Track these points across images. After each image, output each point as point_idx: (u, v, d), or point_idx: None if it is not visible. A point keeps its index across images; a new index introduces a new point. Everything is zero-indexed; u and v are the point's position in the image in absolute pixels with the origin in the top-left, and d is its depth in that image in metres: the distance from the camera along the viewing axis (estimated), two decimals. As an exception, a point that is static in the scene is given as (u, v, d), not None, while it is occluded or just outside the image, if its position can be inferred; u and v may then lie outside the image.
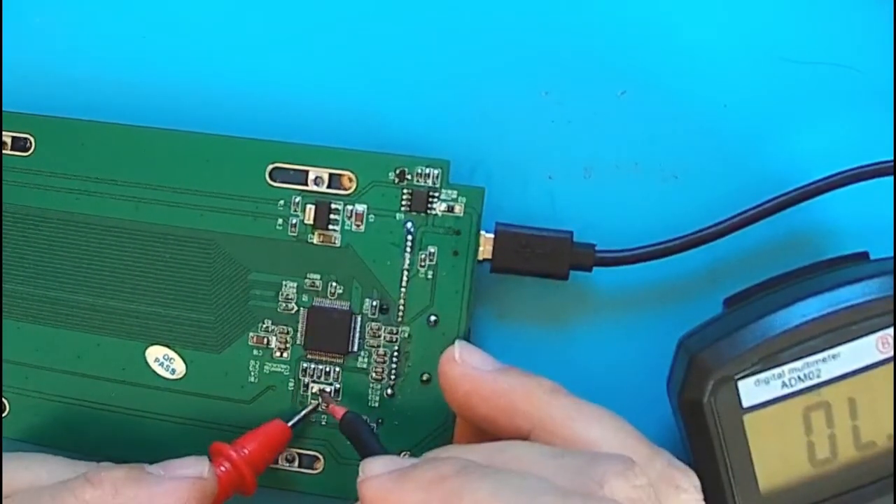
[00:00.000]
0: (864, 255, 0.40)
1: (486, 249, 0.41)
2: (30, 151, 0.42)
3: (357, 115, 0.43)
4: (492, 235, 0.41)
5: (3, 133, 0.42)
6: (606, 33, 0.43)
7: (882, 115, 0.42)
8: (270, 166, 0.41)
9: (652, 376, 0.41)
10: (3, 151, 0.42)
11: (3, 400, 0.42)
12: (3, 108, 0.43)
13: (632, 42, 0.43)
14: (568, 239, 0.41)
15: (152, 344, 0.42)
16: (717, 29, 0.43)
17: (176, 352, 0.42)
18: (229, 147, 0.42)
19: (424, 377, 0.41)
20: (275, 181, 0.42)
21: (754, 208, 0.41)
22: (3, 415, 0.42)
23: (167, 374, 0.42)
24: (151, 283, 0.42)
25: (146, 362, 0.42)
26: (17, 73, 0.44)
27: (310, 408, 0.41)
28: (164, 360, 0.42)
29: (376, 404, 0.41)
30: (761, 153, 0.43)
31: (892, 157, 0.40)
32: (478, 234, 0.41)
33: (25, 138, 0.42)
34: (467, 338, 0.41)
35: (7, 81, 0.44)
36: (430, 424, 0.41)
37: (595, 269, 0.41)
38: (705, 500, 0.38)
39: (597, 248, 0.41)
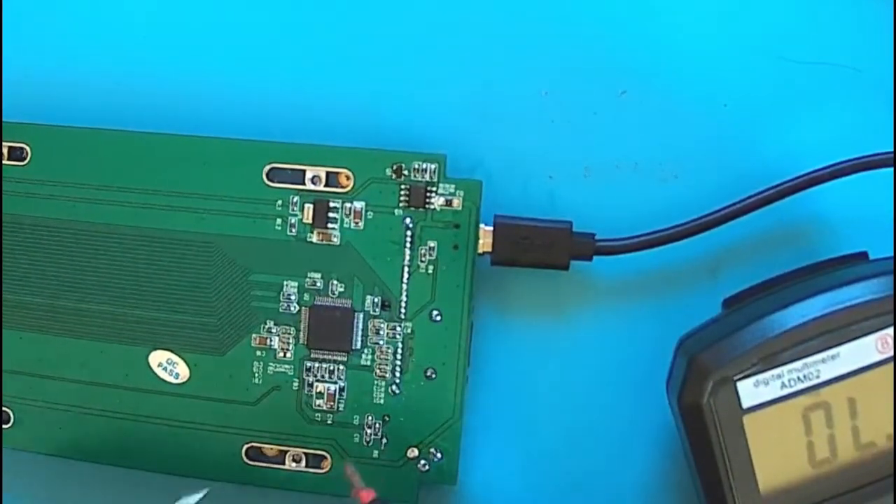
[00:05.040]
0: (863, 255, 0.40)
1: (485, 242, 0.41)
2: (26, 161, 0.42)
3: (356, 116, 0.43)
4: (491, 228, 0.41)
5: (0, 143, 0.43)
6: (606, 33, 0.43)
7: (883, 115, 0.42)
8: (267, 167, 0.41)
9: (652, 369, 0.41)
10: (0, 162, 0.42)
11: (8, 410, 0.42)
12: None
13: (632, 42, 0.43)
14: (567, 229, 0.41)
15: (155, 349, 0.42)
16: (716, 29, 0.43)
17: (179, 356, 0.42)
18: (225, 149, 0.42)
19: (429, 373, 0.41)
20: (272, 181, 0.42)
21: (756, 195, 0.41)
22: (8, 425, 0.42)
23: (171, 379, 0.42)
24: (152, 288, 0.42)
25: (149, 367, 0.42)
26: (10, 82, 0.44)
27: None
28: (167, 365, 0.42)
29: (381, 401, 0.41)
30: (761, 153, 0.43)
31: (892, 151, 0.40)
32: (477, 228, 0.41)
33: (21, 148, 0.42)
34: (469, 332, 0.41)
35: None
36: (436, 420, 0.41)
37: (595, 258, 0.41)
38: (705, 500, 0.38)
39: (596, 238, 0.41)
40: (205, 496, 0.40)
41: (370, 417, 0.41)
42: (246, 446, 0.42)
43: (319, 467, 0.42)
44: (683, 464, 0.40)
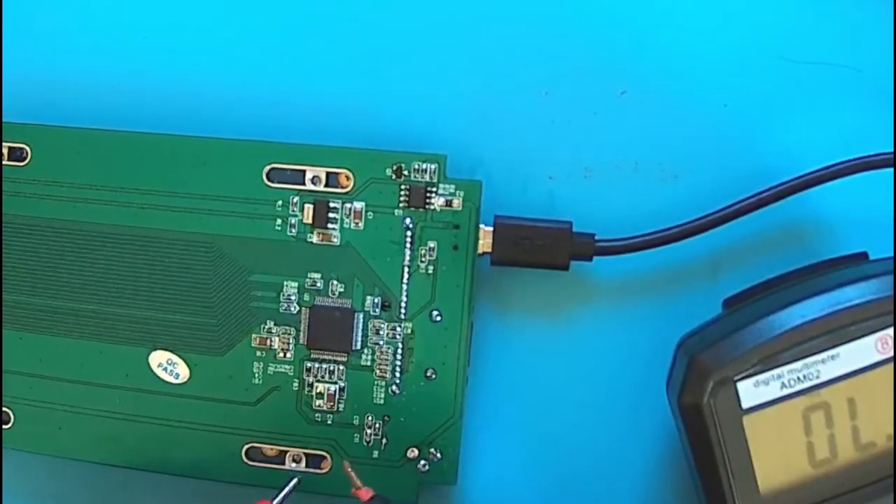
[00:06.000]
0: (863, 256, 0.40)
1: (485, 242, 0.41)
2: (26, 161, 0.42)
3: (356, 116, 0.43)
4: (491, 228, 0.41)
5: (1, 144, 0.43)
6: (606, 33, 0.43)
7: (883, 115, 0.42)
8: (267, 167, 0.42)
9: (652, 369, 0.41)
10: (0, 162, 0.42)
11: (9, 411, 0.42)
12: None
13: (632, 42, 0.43)
14: (567, 229, 0.41)
15: (155, 349, 0.42)
16: (717, 29, 0.43)
17: (179, 356, 0.42)
18: (225, 149, 0.42)
19: (429, 373, 0.41)
20: (272, 182, 0.42)
21: (756, 195, 0.41)
22: (9, 426, 0.42)
23: (171, 379, 0.42)
24: (152, 289, 0.42)
25: (150, 368, 0.42)
26: (10, 82, 0.44)
27: (293, 482, 0.41)
28: (167, 365, 0.42)
29: (381, 401, 0.41)
30: (762, 153, 0.43)
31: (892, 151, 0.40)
32: (477, 228, 0.41)
33: (22, 148, 0.42)
34: (469, 332, 0.41)
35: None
36: (436, 420, 0.41)
37: (595, 258, 0.41)
38: (705, 500, 0.38)
39: (596, 238, 0.41)
40: (294, 486, 0.40)
41: (370, 417, 0.41)
42: (246, 446, 0.42)
43: (319, 467, 0.42)
44: (683, 464, 0.40)
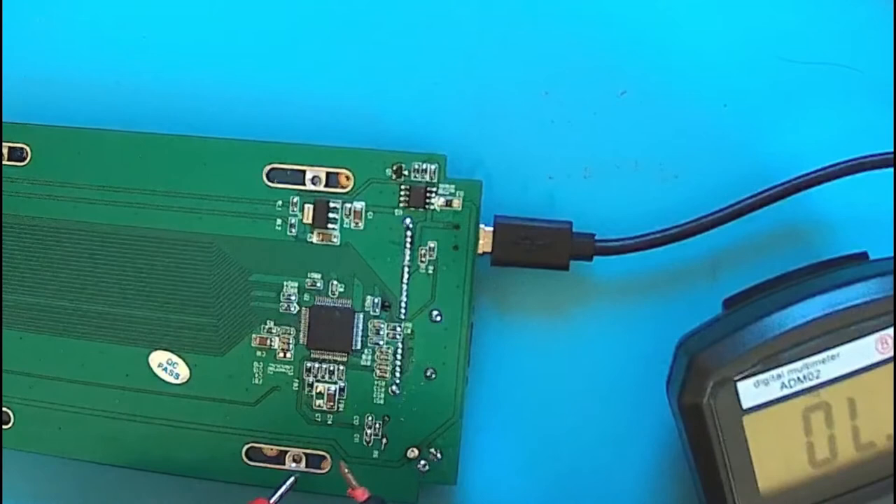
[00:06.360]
0: (863, 256, 0.40)
1: (485, 243, 0.41)
2: (26, 161, 0.42)
3: (356, 116, 0.43)
4: (491, 228, 0.41)
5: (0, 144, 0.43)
6: (606, 33, 0.43)
7: (883, 115, 0.42)
8: (267, 167, 0.42)
9: (652, 369, 0.41)
10: (0, 162, 0.42)
11: (9, 411, 0.42)
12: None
13: (632, 42, 0.43)
14: (567, 229, 0.41)
15: (155, 349, 0.42)
16: (716, 29, 0.43)
17: (179, 356, 0.42)
18: (226, 149, 0.42)
19: (429, 373, 0.41)
20: (272, 182, 0.42)
21: (756, 195, 0.41)
22: (9, 426, 0.42)
23: (171, 379, 0.42)
24: (152, 289, 0.42)
25: (150, 368, 0.42)
26: (10, 82, 0.44)
27: (290, 480, 0.41)
28: (167, 365, 0.42)
29: (381, 402, 0.41)
30: (762, 153, 0.43)
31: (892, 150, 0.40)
32: (477, 228, 0.41)
33: (21, 148, 0.42)
34: (469, 332, 0.41)
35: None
36: (436, 420, 0.41)
37: (595, 258, 0.41)
38: (705, 500, 0.38)
39: (596, 238, 0.41)
40: (292, 484, 0.41)
41: (370, 418, 0.41)
42: (246, 446, 0.42)
43: (319, 467, 0.42)
44: (683, 464, 0.40)
